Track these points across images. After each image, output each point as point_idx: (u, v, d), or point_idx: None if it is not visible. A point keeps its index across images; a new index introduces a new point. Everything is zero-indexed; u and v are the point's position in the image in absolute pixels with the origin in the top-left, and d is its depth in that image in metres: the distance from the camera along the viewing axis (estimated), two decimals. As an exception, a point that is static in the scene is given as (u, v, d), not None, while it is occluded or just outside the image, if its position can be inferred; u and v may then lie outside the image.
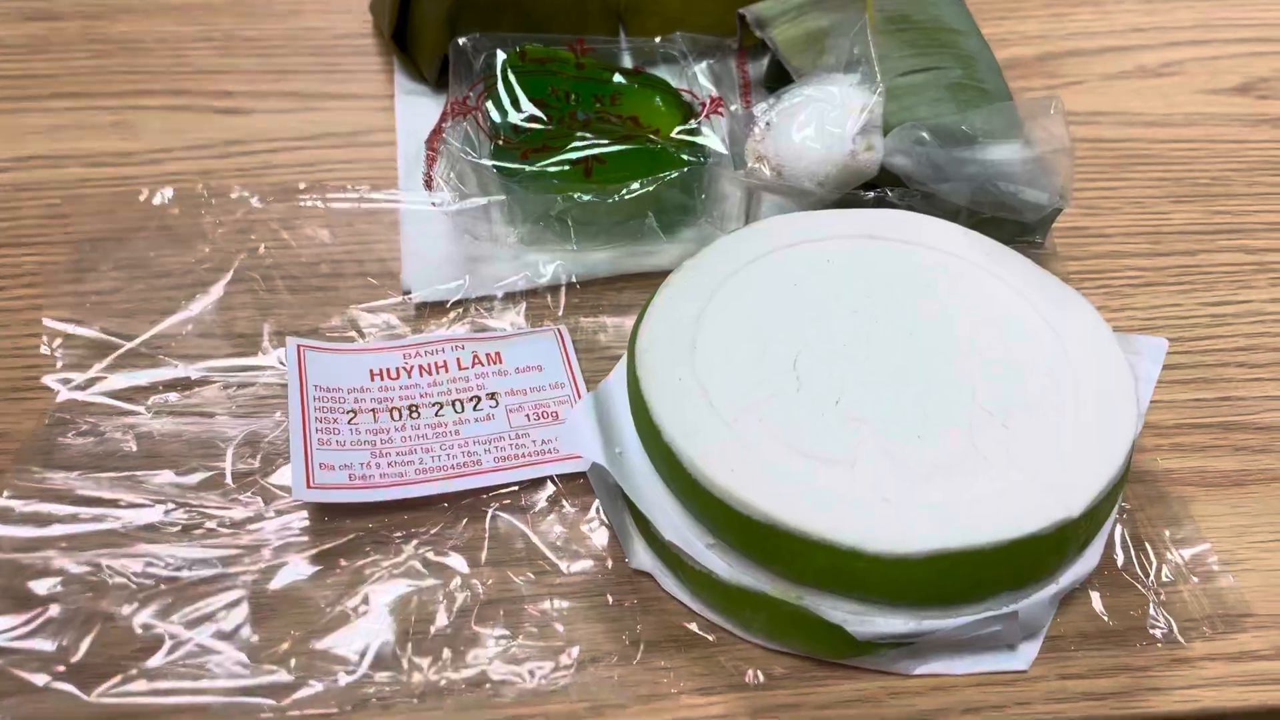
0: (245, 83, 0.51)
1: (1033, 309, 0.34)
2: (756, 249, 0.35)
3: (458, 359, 0.38)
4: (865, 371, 0.32)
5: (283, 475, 0.35)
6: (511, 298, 0.41)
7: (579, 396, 0.37)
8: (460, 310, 0.40)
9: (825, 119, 0.37)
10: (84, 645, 0.30)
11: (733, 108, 0.44)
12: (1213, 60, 0.53)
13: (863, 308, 0.33)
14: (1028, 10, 0.56)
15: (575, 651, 0.31)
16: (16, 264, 0.42)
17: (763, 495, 0.28)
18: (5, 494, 0.33)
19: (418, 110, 0.48)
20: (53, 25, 0.54)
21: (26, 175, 0.45)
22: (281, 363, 0.38)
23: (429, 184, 0.40)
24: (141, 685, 0.30)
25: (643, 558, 0.33)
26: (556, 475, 0.35)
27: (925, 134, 0.37)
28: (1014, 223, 0.38)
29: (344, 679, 0.30)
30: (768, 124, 0.38)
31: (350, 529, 0.34)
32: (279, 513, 0.34)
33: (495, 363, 0.38)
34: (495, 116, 0.42)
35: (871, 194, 0.38)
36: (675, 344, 0.32)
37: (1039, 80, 0.52)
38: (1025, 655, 0.31)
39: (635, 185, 0.39)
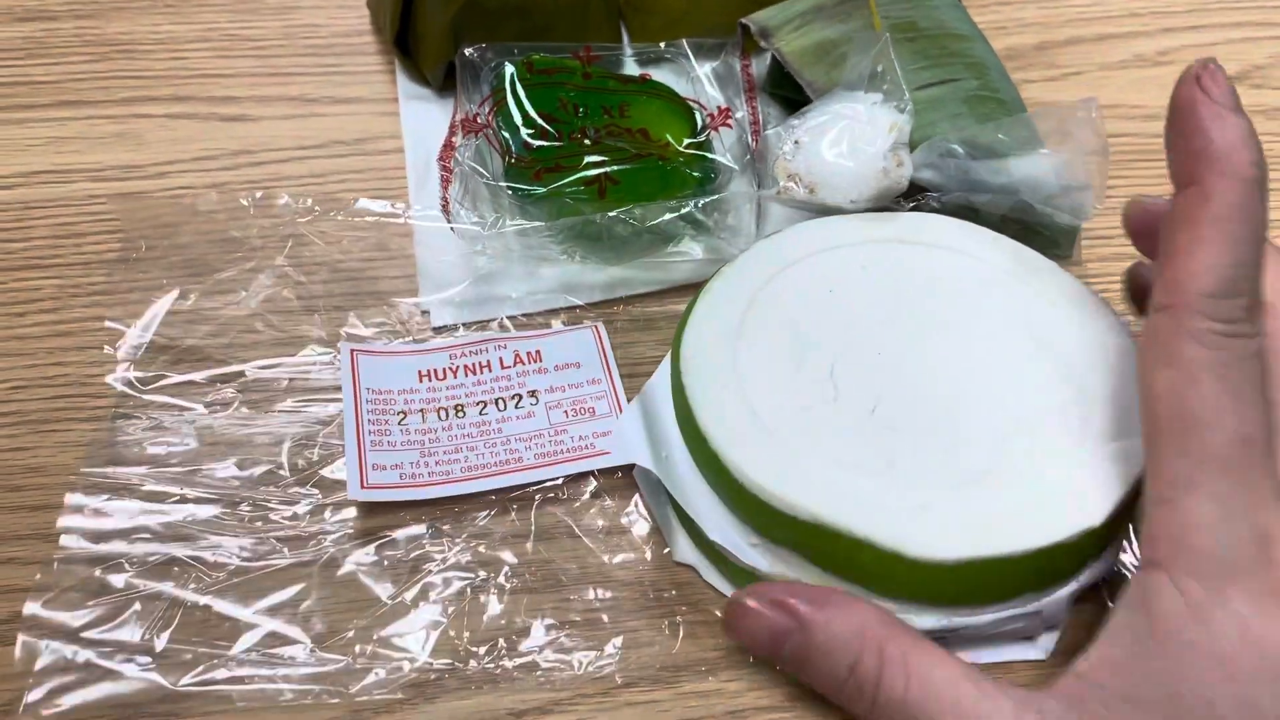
0: (247, 87, 0.51)
1: (1063, 319, 0.35)
2: (791, 254, 0.36)
3: (500, 358, 0.39)
4: (899, 380, 0.33)
5: (339, 468, 0.37)
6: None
7: (615, 392, 0.39)
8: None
9: (856, 137, 0.38)
10: (166, 634, 0.32)
11: (738, 115, 0.45)
12: (1209, 47, 0.54)
13: (895, 315, 0.35)
14: (1025, -5, 0.56)
15: (619, 640, 0.33)
16: (35, 288, 0.42)
17: (808, 498, 0.30)
18: (78, 491, 0.35)
19: (423, 116, 0.49)
20: (47, 26, 0.53)
21: (34, 192, 0.46)
22: (326, 360, 0.39)
23: (445, 207, 0.41)
24: (222, 674, 0.32)
25: (686, 551, 0.35)
26: (596, 470, 0.36)
27: (956, 147, 0.37)
28: (1043, 235, 0.38)
29: (407, 667, 0.32)
30: (796, 142, 0.39)
31: (405, 521, 0.35)
32: (337, 506, 0.36)
33: (535, 361, 0.39)
34: (506, 134, 0.42)
35: (911, 205, 0.39)
36: (718, 353, 0.34)
37: (1038, 72, 0.52)
38: (1044, 645, 0.33)
39: (655, 215, 0.39)
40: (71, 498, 0.35)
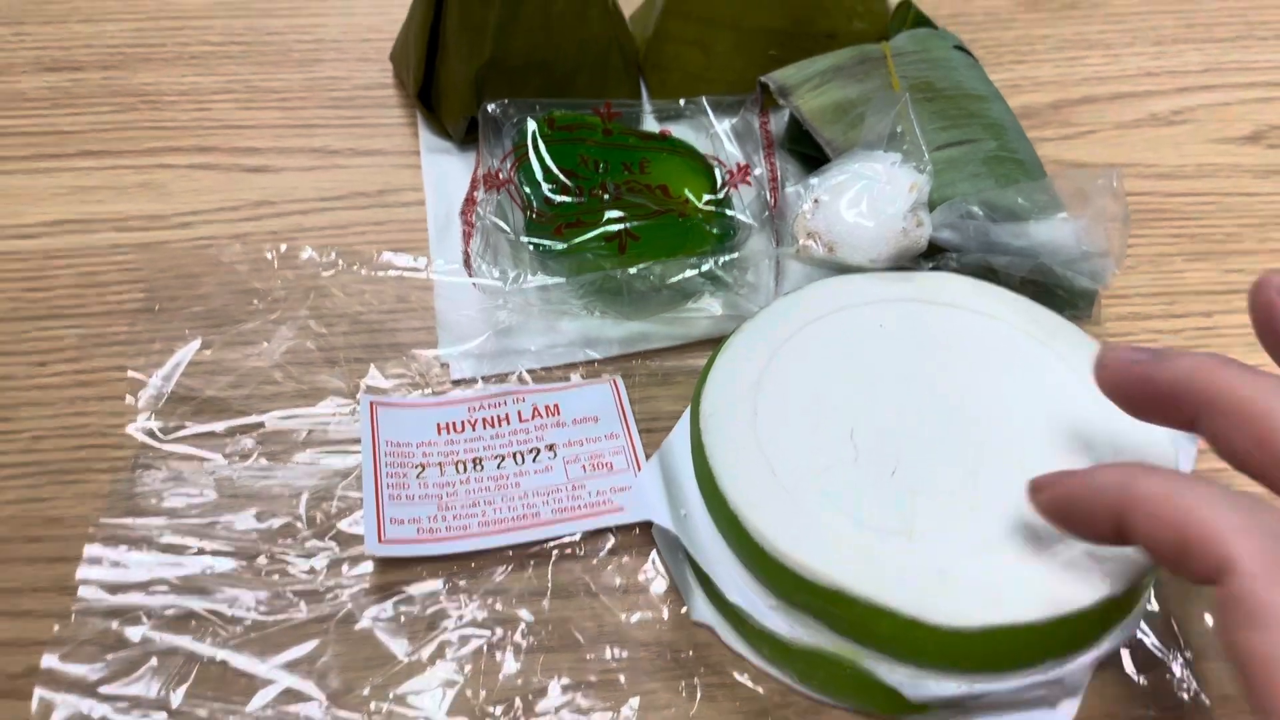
0: (270, 139, 0.51)
1: (1081, 382, 0.35)
2: (811, 312, 0.37)
3: (519, 411, 0.40)
4: (919, 441, 0.33)
5: (356, 521, 0.37)
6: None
7: (633, 447, 0.39)
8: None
9: (875, 196, 0.38)
10: (181, 690, 0.32)
11: (757, 172, 0.45)
12: (1223, 107, 0.54)
13: (915, 375, 0.35)
14: (1040, 55, 0.57)
15: (635, 702, 0.33)
16: (57, 337, 0.42)
17: (828, 564, 0.30)
18: (96, 542, 0.35)
19: (444, 169, 0.49)
20: (73, 76, 0.54)
21: (58, 241, 0.46)
22: (346, 411, 0.40)
23: (467, 261, 0.41)
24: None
25: (703, 611, 0.34)
26: (613, 526, 0.36)
27: (975, 208, 0.37)
28: (1061, 296, 0.39)
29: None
30: (816, 201, 0.39)
31: (422, 575, 0.35)
32: (354, 560, 0.35)
33: (553, 414, 0.39)
34: (527, 190, 0.42)
35: (930, 265, 0.39)
36: (737, 411, 0.34)
37: (1054, 130, 0.52)
38: (1066, 712, 0.33)
39: (675, 271, 0.40)
40: (90, 549, 0.35)
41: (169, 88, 0.54)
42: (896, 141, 0.40)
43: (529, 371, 0.41)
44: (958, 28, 0.57)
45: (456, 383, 0.41)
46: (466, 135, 0.49)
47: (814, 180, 0.40)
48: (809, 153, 0.47)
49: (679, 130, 0.48)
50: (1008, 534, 0.31)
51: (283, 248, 0.43)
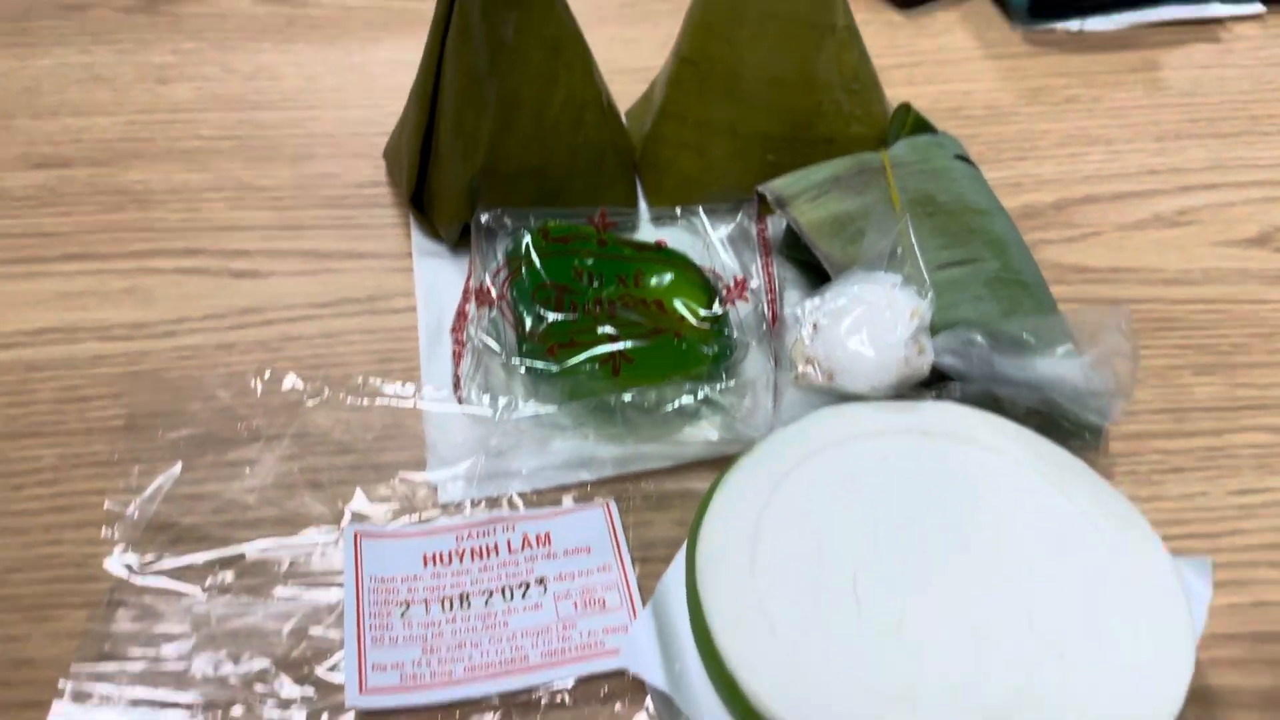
0: (259, 240, 0.50)
1: (1090, 525, 0.34)
2: (810, 445, 0.36)
3: (508, 540, 0.38)
4: (924, 593, 0.32)
5: (336, 665, 0.35)
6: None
7: (626, 581, 0.37)
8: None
9: (875, 323, 0.37)
10: None
11: (754, 285, 0.44)
12: (1228, 207, 0.53)
13: (918, 518, 0.34)
14: (1042, 151, 0.56)
15: None
16: (35, 457, 0.41)
17: None
18: (65, 698, 0.34)
19: (436, 273, 0.48)
20: (61, 173, 0.54)
21: (39, 353, 0.45)
22: (329, 539, 0.38)
23: (457, 385, 0.40)
24: None
25: None
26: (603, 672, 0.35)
27: (978, 337, 0.36)
28: (1067, 428, 0.38)
29: None
30: (815, 326, 0.38)
31: None
32: (333, 711, 0.34)
33: (544, 544, 0.38)
34: (521, 308, 0.41)
35: (934, 394, 0.38)
36: (735, 558, 0.33)
37: (1056, 232, 0.52)
38: None
39: (670, 396, 0.39)
40: (58, 705, 0.33)
41: (158, 185, 0.53)
42: (897, 262, 0.39)
43: (520, 494, 0.40)
44: (958, 123, 0.57)
45: (445, 506, 0.40)
46: (460, 238, 0.49)
47: (812, 303, 0.39)
48: (807, 259, 0.46)
49: (675, 236, 0.47)
50: (1016, 700, 0.30)
51: (267, 374, 0.42)
